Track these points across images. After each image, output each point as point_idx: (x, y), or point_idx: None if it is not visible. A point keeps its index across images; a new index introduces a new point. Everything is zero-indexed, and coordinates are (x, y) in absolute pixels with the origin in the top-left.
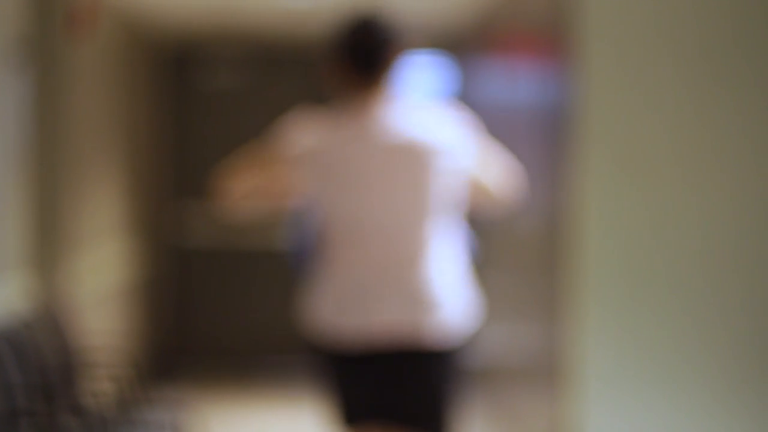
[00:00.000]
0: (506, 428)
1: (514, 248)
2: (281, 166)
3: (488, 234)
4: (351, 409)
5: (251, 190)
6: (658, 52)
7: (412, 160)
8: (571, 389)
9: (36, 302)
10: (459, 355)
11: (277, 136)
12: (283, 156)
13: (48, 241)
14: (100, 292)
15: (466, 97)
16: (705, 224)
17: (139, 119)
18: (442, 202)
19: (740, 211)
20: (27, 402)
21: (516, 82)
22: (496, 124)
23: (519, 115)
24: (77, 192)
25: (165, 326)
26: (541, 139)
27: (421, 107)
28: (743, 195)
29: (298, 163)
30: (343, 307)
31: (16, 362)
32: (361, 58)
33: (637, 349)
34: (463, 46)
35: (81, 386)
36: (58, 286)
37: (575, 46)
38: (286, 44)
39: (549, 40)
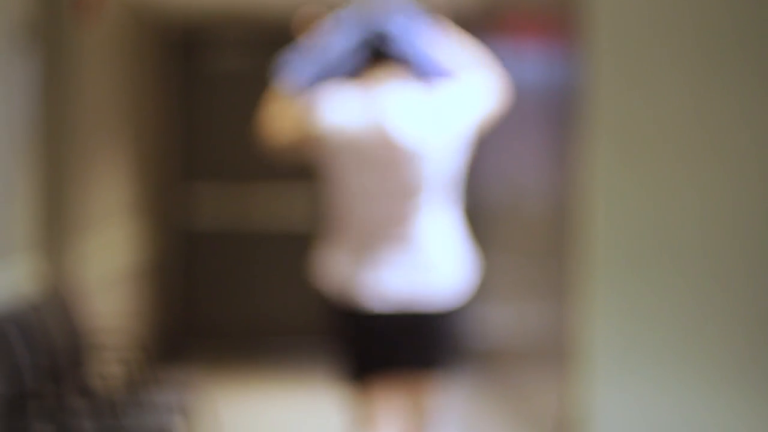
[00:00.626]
0: (515, 409)
1: (523, 230)
2: (306, 134)
3: (497, 216)
4: (360, 362)
5: (287, 137)
6: (666, 33)
7: (415, 142)
8: (578, 370)
9: (44, 285)
10: (458, 313)
11: (306, 104)
12: (308, 128)
13: (56, 224)
14: (108, 274)
15: None
16: (711, 205)
17: (146, 102)
18: (442, 176)
19: (746, 192)
20: (35, 384)
21: (523, 64)
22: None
23: (527, 98)
24: (85, 175)
25: (173, 308)
26: (549, 122)
27: (425, 82)
28: (748, 175)
29: (319, 140)
30: (356, 271)
31: (24, 345)
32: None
33: (645, 329)
34: (470, 28)
35: (89, 368)
36: (66, 268)
37: (583, 28)
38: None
39: (557, 22)
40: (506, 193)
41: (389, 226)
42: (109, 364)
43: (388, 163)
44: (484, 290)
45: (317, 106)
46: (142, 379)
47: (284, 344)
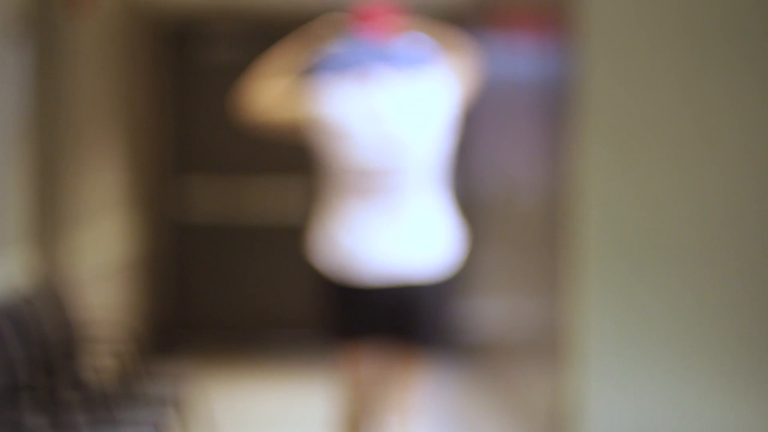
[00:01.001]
0: (507, 403)
1: (515, 223)
2: (301, 111)
3: (490, 210)
4: (349, 326)
5: (273, 106)
6: (659, 28)
7: (402, 127)
8: (571, 364)
9: (37, 277)
10: (444, 287)
11: (306, 84)
12: (306, 107)
13: (48, 217)
14: (101, 267)
15: None
16: (704, 199)
17: (139, 94)
18: (429, 157)
19: (738, 186)
20: (28, 377)
21: (517, 58)
22: (498, 101)
23: (520, 91)
24: (78, 167)
25: (166, 301)
26: (542, 115)
27: (408, 77)
28: (741, 169)
29: (316, 121)
30: (348, 245)
31: (17, 337)
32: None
33: (638, 323)
34: (464, 21)
35: (82, 361)
36: (59, 261)
37: (576, 22)
38: (286, 18)
39: (550, 15)
40: (499, 187)
41: (381, 204)
42: (102, 356)
43: (380, 147)
44: (477, 283)
45: (321, 94)
46: (135, 372)
47: (277, 337)
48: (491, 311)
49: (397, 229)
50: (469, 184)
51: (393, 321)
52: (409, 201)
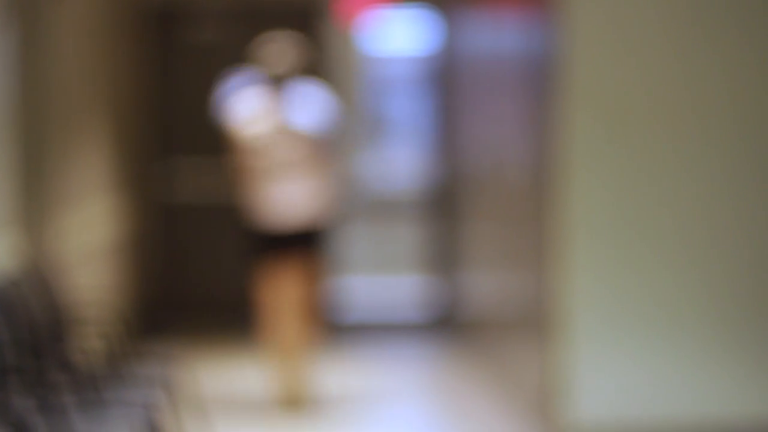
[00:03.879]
0: (496, 378)
1: (502, 199)
2: (239, 153)
3: (477, 185)
4: (265, 248)
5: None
6: (643, 3)
7: (301, 135)
8: (559, 338)
9: (24, 260)
10: (325, 231)
11: (228, 123)
12: (236, 143)
13: (35, 199)
14: (88, 249)
15: (452, 50)
16: (690, 172)
17: (125, 75)
18: (317, 152)
19: (725, 158)
20: (16, 359)
21: (501, 34)
22: (482, 76)
23: (505, 67)
24: (63, 149)
25: (153, 282)
26: (527, 91)
27: (306, 96)
28: (727, 141)
29: (242, 144)
30: (270, 210)
31: (4, 320)
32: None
33: (625, 297)
34: None
35: (70, 343)
36: (45, 243)
37: None
38: None
39: None
40: (486, 163)
41: (289, 181)
42: (90, 338)
43: (289, 145)
44: (465, 259)
45: (236, 124)
46: (123, 353)
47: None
48: (479, 287)
49: (297, 196)
50: (456, 160)
51: (294, 242)
52: (307, 183)
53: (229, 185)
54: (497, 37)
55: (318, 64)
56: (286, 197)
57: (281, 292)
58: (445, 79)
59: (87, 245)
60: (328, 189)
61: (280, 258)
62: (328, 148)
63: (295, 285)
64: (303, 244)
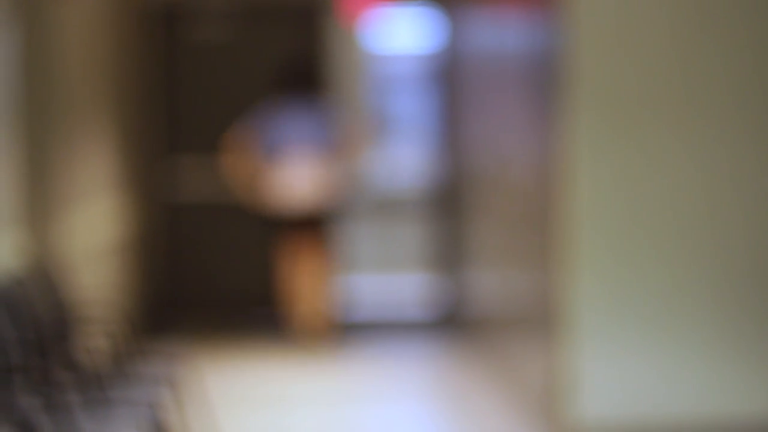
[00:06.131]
0: (501, 376)
1: (506, 197)
2: (253, 161)
3: (482, 184)
4: (282, 228)
5: (244, 172)
6: (647, 0)
7: (314, 135)
8: (564, 336)
9: (29, 259)
10: (332, 216)
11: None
12: (251, 152)
13: (40, 198)
14: (93, 247)
15: (456, 48)
16: (695, 171)
17: (129, 74)
18: (326, 150)
19: (731, 157)
20: (21, 358)
21: (505, 31)
22: (486, 74)
23: (509, 65)
24: (68, 148)
25: (158, 280)
26: (531, 89)
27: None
28: (732, 140)
29: (257, 144)
30: (284, 195)
31: (9, 319)
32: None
33: (629, 295)
34: None
35: (75, 342)
36: (50, 242)
37: None
38: None
39: None
40: (491, 161)
41: (300, 167)
42: (95, 337)
43: (301, 146)
44: (470, 258)
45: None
46: (128, 352)
47: (269, 315)
48: (484, 285)
49: (310, 187)
50: (460, 159)
51: (305, 224)
52: (317, 174)
53: (232, 183)
54: (501, 34)
55: (322, 63)
56: (298, 183)
57: (299, 262)
58: (450, 77)
59: (92, 244)
60: (339, 176)
61: (295, 238)
62: (359, 134)
63: (311, 255)
64: (314, 225)
